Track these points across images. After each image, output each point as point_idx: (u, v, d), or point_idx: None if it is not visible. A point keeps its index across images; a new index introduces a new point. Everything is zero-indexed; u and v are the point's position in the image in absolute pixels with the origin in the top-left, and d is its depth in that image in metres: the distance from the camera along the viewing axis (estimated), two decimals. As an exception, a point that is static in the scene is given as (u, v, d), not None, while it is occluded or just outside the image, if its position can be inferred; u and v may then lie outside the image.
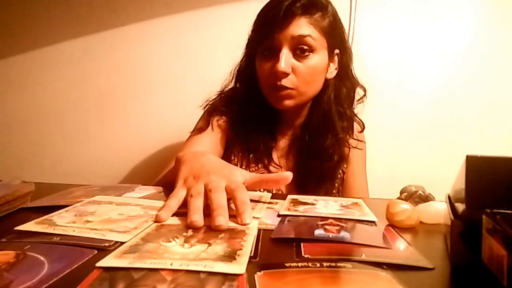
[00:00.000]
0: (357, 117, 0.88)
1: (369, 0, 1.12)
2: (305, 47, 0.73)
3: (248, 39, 0.83)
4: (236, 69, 0.86)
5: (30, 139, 1.29)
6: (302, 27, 0.72)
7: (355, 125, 0.87)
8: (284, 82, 0.74)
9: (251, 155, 0.83)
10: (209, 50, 1.18)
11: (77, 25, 1.22)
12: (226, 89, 0.88)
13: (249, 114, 0.83)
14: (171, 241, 0.38)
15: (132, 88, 1.23)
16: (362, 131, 0.90)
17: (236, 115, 0.84)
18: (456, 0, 1.13)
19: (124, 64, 1.22)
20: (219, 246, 0.36)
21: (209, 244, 0.37)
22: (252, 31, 0.81)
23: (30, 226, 0.42)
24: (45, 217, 0.45)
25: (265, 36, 0.74)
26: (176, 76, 1.21)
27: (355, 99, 0.86)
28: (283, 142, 0.87)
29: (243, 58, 0.86)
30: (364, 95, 0.86)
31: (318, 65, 0.76)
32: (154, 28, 1.20)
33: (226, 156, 0.84)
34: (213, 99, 0.87)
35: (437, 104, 1.15)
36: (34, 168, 1.29)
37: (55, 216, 0.46)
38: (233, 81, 0.87)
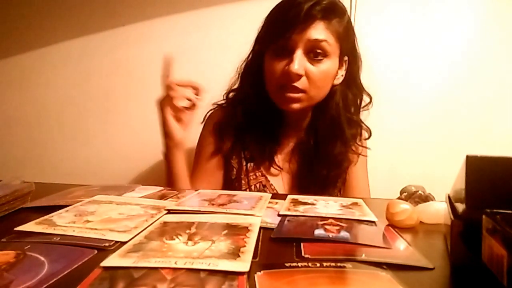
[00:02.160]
0: (364, 123, 0.87)
1: (369, 0, 1.12)
2: (320, 51, 0.72)
3: (258, 35, 0.81)
4: (242, 65, 0.85)
5: (31, 139, 1.29)
6: (320, 31, 0.72)
7: (363, 132, 0.86)
8: (297, 84, 0.73)
9: (251, 154, 0.83)
10: (210, 50, 1.18)
11: (77, 25, 1.22)
12: (230, 94, 0.87)
13: (253, 114, 0.82)
14: (174, 239, 0.38)
15: (133, 88, 1.23)
16: (368, 138, 0.89)
17: (239, 115, 0.82)
18: (458, 1, 1.12)
19: (125, 64, 1.22)
20: (223, 243, 0.37)
21: (213, 241, 0.37)
22: (264, 27, 0.79)
23: (30, 226, 0.42)
24: (45, 217, 0.45)
25: (281, 35, 0.72)
26: (176, 76, 1.20)
27: (361, 106, 0.85)
28: (286, 145, 0.86)
29: (250, 54, 0.84)
30: (370, 102, 0.85)
31: (330, 70, 0.75)
32: (154, 28, 1.20)
33: (227, 157, 0.84)
34: (211, 110, 0.87)
35: (437, 104, 1.14)
36: (34, 168, 1.29)
37: (55, 216, 0.46)
38: (239, 78, 0.85)
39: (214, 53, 1.17)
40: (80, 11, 1.21)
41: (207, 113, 0.87)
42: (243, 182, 0.82)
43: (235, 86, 0.86)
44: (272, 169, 0.83)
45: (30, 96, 1.27)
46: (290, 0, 0.74)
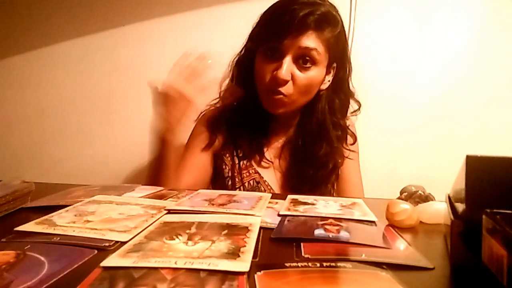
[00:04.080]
0: (350, 129, 0.88)
1: (369, 1, 1.12)
2: (308, 59, 0.74)
3: (252, 32, 0.82)
4: (234, 60, 0.86)
5: (30, 139, 1.29)
6: (311, 40, 0.73)
7: (348, 137, 0.87)
8: (282, 89, 0.74)
9: (243, 152, 0.84)
10: (210, 50, 1.17)
11: (77, 25, 1.22)
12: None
13: (243, 109, 0.83)
14: (174, 239, 0.38)
15: (133, 88, 1.23)
16: (354, 143, 0.90)
17: (230, 110, 0.84)
18: (456, 2, 1.12)
19: (125, 64, 1.22)
20: (223, 243, 0.37)
21: (213, 241, 0.37)
22: (258, 26, 0.80)
23: (30, 226, 0.42)
24: (45, 217, 0.45)
25: (273, 39, 0.74)
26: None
27: (349, 111, 0.86)
28: (276, 142, 0.87)
29: (242, 49, 0.85)
30: (358, 109, 0.86)
31: (316, 77, 0.77)
32: (154, 28, 1.20)
33: (220, 154, 0.85)
34: (205, 110, 0.89)
35: (437, 104, 1.15)
36: (34, 168, 1.29)
37: (55, 216, 0.46)
38: (231, 72, 0.86)
39: (214, 52, 1.17)
40: (80, 11, 1.21)
41: (201, 113, 0.89)
42: (236, 179, 0.83)
43: (227, 80, 0.87)
44: (263, 163, 0.84)
45: (30, 96, 1.27)
46: (286, 4, 0.75)
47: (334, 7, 0.78)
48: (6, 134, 1.29)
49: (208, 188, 0.84)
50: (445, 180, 0.47)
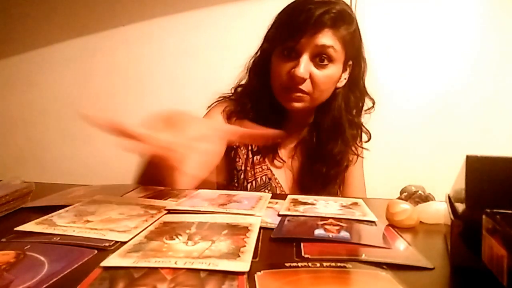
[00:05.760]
0: (365, 127, 0.89)
1: (370, 2, 1.12)
2: (325, 57, 0.75)
3: (267, 33, 0.83)
4: (251, 61, 0.86)
5: (31, 139, 1.29)
6: (327, 38, 0.74)
7: (363, 135, 0.88)
8: (301, 86, 0.75)
9: (258, 147, 0.84)
10: (210, 50, 1.18)
11: (77, 25, 1.22)
12: (239, 88, 0.88)
13: (258, 107, 0.83)
14: (174, 239, 0.38)
15: (133, 88, 1.23)
16: (368, 141, 0.90)
17: (248, 109, 0.84)
18: (457, 3, 1.12)
19: (125, 64, 1.22)
20: (223, 243, 0.37)
21: (213, 241, 0.37)
22: (274, 27, 0.81)
23: (30, 226, 0.42)
24: (45, 217, 0.45)
25: (290, 38, 0.74)
26: (177, 76, 1.21)
27: (363, 109, 0.87)
28: (290, 141, 0.88)
29: (258, 50, 0.85)
30: (372, 106, 0.87)
31: (334, 75, 0.77)
32: (154, 28, 1.20)
33: (232, 149, 0.84)
34: (217, 101, 0.87)
35: (437, 104, 1.15)
36: (34, 168, 1.29)
37: (55, 216, 0.46)
38: (247, 73, 0.87)
39: (214, 52, 1.17)
40: (80, 11, 1.21)
41: (213, 103, 0.87)
42: (249, 174, 0.83)
43: (243, 81, 0.88)
44: (275, 162, 0.85)
45: (30, 96, 1.27)
46: (301, 4, 0.75)
47: (348, 5, 0.79)
48: (6, 134, 1.29)
49: (216, 179, 0.83)
50: (445, 180, 0.47)
